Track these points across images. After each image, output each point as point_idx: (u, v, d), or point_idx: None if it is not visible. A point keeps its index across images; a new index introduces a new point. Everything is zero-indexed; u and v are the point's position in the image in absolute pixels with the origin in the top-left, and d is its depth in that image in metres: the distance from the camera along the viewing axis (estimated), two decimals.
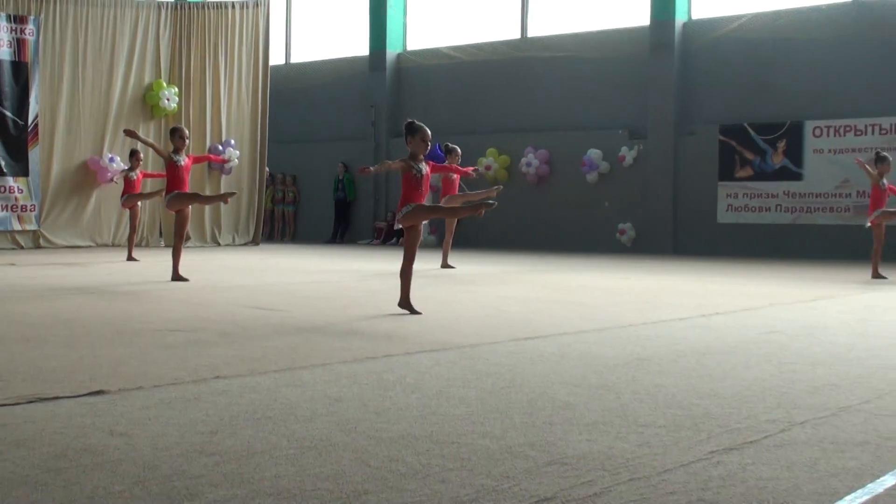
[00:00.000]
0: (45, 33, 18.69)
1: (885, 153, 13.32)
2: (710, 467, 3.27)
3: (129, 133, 12.01)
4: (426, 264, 13.86)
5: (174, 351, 5.69)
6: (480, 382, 4.79)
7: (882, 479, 3.16)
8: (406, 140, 8.12)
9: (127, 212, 16.45)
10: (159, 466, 3.15)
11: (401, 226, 7.89)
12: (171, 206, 11.13)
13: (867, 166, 13.00)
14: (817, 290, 10.89)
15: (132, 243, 15.58)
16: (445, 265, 13.99)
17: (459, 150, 14.74)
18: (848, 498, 2.95)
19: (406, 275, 7.86)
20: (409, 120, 8.21)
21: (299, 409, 4.10)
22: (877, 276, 12.64)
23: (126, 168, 16.19)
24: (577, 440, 3.61)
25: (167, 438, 3.54)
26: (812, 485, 3.08)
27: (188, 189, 11.53)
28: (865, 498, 2.95)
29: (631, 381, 4.87)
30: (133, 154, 15.69)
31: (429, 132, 8.12)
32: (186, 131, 12.00)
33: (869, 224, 12.98)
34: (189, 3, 21.77)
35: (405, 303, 7.86)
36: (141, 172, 15.71)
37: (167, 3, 21.24)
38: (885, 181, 12.85)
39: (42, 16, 18.66)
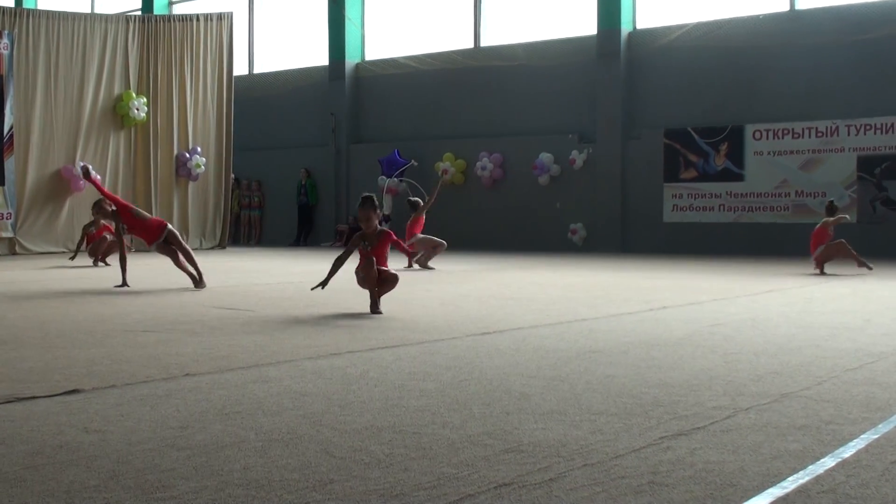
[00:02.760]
0: (18, 47, 18.82)
1: (835, 203, 14.24)
2: (660, 452, 3.37)
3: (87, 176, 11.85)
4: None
5: (145, 350, 5.76)
6: (440, 376, 4.90)
7: (822, 460, 3.28)
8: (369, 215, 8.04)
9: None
10: (132, 461, 3.22)
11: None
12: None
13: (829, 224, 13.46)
14: (759, 284, 11.15)
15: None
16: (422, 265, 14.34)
17: (421, 203, 14.97)
18: (791, 479, 3.05)
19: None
20: (366, 195, 8.22)
21: (266, 403, 4.19)
22: (862, 264, 13.21)
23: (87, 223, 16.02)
24: (532, 429, 3.72)
25: (139, 434, 3.61)
26: (757, 467, 3.18)
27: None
28: (807, 479, 3.05)
29: (584, 373, 5.00)
30: (98, 207, 14.77)
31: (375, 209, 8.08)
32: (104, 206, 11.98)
33: (816, 267, 13.37)
34: (156, 16, 21.88)
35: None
36: (105, 226, 15.16)
37: (135, 16, 21.42)
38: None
39: (16, 30, 18.76)
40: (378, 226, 8.06)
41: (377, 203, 8.11)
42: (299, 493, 2.87)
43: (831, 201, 14.23)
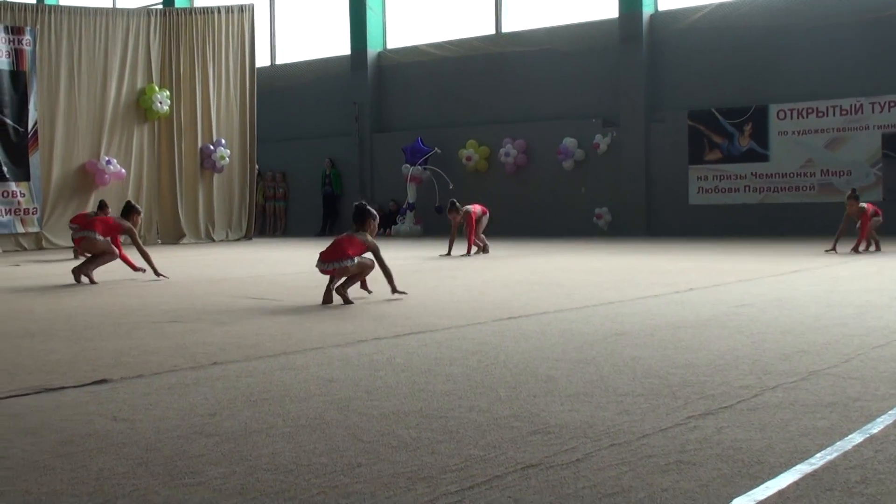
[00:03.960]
0: (41, 43, 18.98)
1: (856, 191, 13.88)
2: (687, 431, 3.37)
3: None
4: (409, 251, 13.96)
5: (172, 340, 5.81)
6: (466, 360, 4.90)
7: (850, 436, 3.26)
8: (366, 222, 8.17)
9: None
10: (161, 448, 3.25)
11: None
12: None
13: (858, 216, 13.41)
14: (785, 265, 11.09)
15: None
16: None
17: (459, 206, 14.58)
18: (819, 455, 3.04)
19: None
20: (363, 203, 8.29)
21: (294, 390, 4.21)
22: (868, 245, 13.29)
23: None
24: (559, 411, 3.72)
25: (168, 422, 3.64)
26: (784, 444, 3.17)
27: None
28: (835, 455, 3.04)
29: (610, 355, 5.00)
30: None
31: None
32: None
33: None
34: (177, 9, 22.02)
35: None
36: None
37: (156, 9, 21.56)
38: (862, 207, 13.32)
39: (38, 26, 18.92)
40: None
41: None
42: (327, 477, 2.89)
43: (853, 189, 14.09)
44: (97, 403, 4.00)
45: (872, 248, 13.35)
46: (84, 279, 10.40)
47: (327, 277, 8.03)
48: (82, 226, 11.08)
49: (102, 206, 13.60)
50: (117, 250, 10.77)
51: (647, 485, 2.78)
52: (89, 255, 11.02)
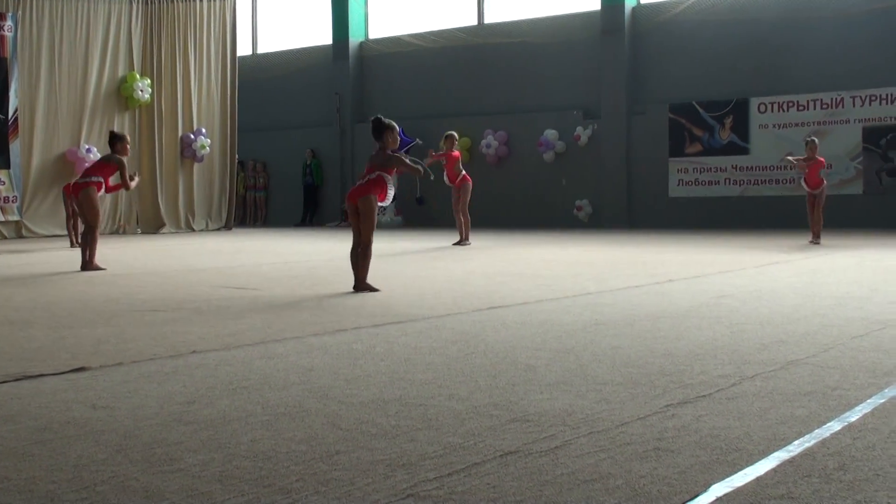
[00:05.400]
0: (22, 29, 18.84)
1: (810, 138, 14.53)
2: (666, 419, 3.38)
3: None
4: (390, 242, 13.96)
5: (152, 329, 5.79)
6: (446, 350, 4.91)
7: (828, 424, 3.28)
8: (384, 135, 7.96)
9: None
10: (140, 435, 3.24)
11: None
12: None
13: (794, 159, 14.28)
14: (765, 257, 11.14)
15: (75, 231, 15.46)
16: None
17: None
18: (797, 442, 3.06)
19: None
20: (378, 117, 8.18)
21: (273, 378, 4.20)
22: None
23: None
24: (538, 399, 3.73)
25: (147, 409, 3.62)
26: (763, 432, 3.19)
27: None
28: (813, 442, 3.06)
29: (589, 344, 5.01)
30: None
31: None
32: None
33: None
34: None
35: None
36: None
37: None
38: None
39: (20, 12, 18.79)
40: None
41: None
42: (306, 465, 2.89)
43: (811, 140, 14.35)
44: (76, 391, 3.98)
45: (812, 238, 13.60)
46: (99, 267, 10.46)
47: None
48: (87, 172, 10.98)
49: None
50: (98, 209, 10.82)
51: (626, 472, 2.79)
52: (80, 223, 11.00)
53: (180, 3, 21.41)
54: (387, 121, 8.06)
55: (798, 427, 3.26)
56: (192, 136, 21.28)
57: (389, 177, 7.93)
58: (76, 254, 13.36)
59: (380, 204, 7.94)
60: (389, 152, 7.98)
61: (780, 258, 10.96)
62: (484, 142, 21.72)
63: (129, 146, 11.02)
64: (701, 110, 19.45)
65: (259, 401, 3.75)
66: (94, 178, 10.69)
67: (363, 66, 24.41)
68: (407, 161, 8.20)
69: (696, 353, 4.70)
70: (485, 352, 4.83)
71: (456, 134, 15.15)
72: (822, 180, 13.86)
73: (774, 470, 2.79)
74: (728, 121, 19.18)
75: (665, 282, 8.38)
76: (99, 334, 5.58)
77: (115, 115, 20.22)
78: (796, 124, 18.44)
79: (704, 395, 3.76)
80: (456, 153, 14.60)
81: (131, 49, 20.60)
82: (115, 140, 10.88)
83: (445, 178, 14.65)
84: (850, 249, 12.25)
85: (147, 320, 6.20)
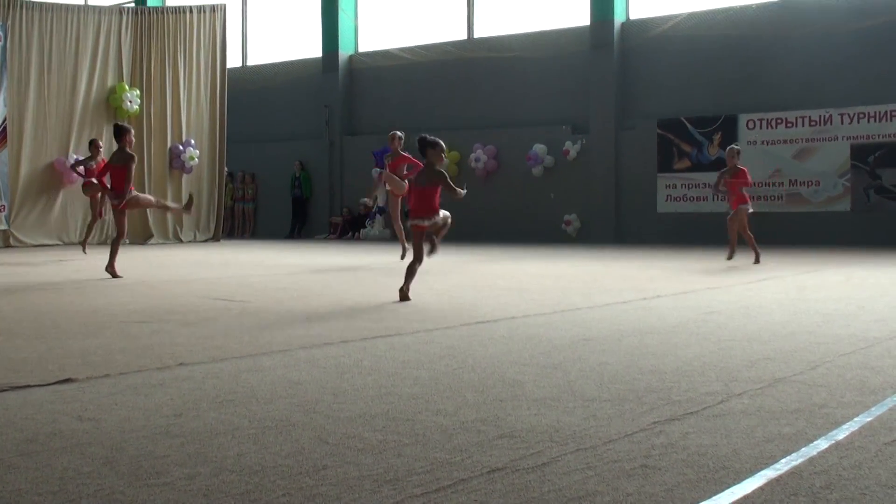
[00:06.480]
0: (11, 38, 18.84)
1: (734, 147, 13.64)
2: (653, 436, 3.37)
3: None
4: (378, 255, 13.93)
5: (139, 341, 5.76)
6: (434, 364, 4.90)
7: (816, 443, 3.28)
8: (427, 153, 8.37)
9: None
10: (126, 448, 3.22)
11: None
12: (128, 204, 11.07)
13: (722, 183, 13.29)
14: (753, 273, 11.18)
15: (88, 234, 15.58)
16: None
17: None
18: (784, 461, 3.05)
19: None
20: (423, 135, 8.55)
21: (260, 392, 4.19)
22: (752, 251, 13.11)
23: (84, 158, 16.17)
24: (526, 415, 3.72)
25: (133, 422, 3.61)
26: (750, 450, 3.19)
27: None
28: (800, 461, 3.06)
29: (577, 360, 5.01)
30: (92, 143, 15.65)
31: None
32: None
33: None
34: (149, 7, 21.93)
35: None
36: (102, 160, 15.11)
37: (128, 7, 21.48)
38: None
39: (9, 21, 18.76)
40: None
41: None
42: (293, 479, 2.87)
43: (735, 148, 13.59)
44: (63, 402, 3.96)
45: (730, 255, 13.09)
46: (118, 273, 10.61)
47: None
48: (116, 191, 11.03)
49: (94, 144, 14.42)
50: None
51: (613, 489, 2.78)
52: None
53: (170, 14, 21.45)
54: (431, 139, 8.32)
55: (785, 445, 3.26)
56: (181, 147, 21.28)
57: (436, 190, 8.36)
58: (63, 264, 13.33)
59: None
60: (437, 169, 8.34)
61: (768, 274, 10.99)
62: (473, 156, 21.78)
63: (133, 138, 11.20)
64: (690, 126, 19.53)
65: (246, 414, 3.74)
66: (129, 195, 10.93)
67: (353, 79, 24.46)
68: (450, 182, 8.43)
69: (684, 370, 4.70)
70: (472, 367, 4.82)
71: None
72: (746, 197, 13.19)
73: (761, 488, 2.79)
74: (717, 137, 19.26)
75: (653, 297, 8.39)
76: (86, 345, 5.55)
77: (103, 125, 20.19)
78: (785, 141, 18.55)
79: (692, 413, 3.76)
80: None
81: (121, 59, 20.63)
82: (121, 133, 10.98)
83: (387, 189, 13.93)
84: (838, 266, 12.30)
85: (134, 331, 6.18)
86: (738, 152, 13.40)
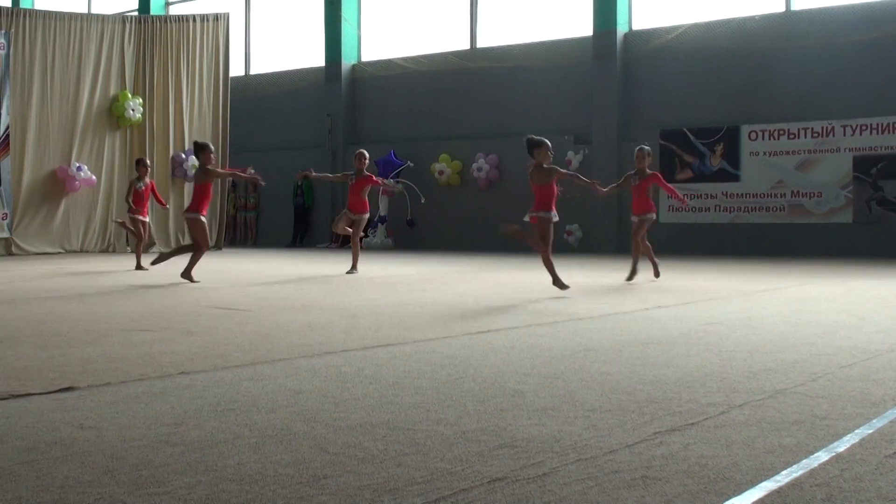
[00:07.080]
0: (15, 47, 18.89)
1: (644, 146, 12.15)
2: (654, 447, 3.37)
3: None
4: (380, 264, 13.92)
5: (140, 349, 5.76)
6: (435, 373, 4.90)
7: (816, 454, 3.28)
8: (534, 152, 8.87)
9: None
10: (127, 457, 3.22)
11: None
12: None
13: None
14: (755, 284, 11.17)
15: (139, 251, 14.85)
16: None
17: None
18: (784, 472, 3.05)
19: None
20: (529, 136, 8.99)
21: (261, 401, 4.19)
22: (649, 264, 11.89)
23: (131, 180, 15.33)
24: (526, 425, 3.72)
25: (134, 431, 3.60)
26: (750, 461, 3.18)
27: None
28: (801, 473, 3.05)
29: (578, 370, 5.00)
30: (139, 162, 14.89)
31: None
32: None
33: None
34: (152, 16, 22.00)
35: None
36: (151, 182, 14.96)
37: (131, 16, 21.57)
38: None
39: (12, 30, 18.83)
40: None
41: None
42: (293, 488, 2.87)
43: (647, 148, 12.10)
44: (63, 411, 3.96)
45: (629, 274, 11.58)
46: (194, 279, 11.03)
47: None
48: (191, 209, 11.44)
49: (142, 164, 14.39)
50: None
51: (613, 500, 2.78)
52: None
53: (173, 23, 21.51)
54: (536, 138, 8.48)
55: (786, 457, 3.26)
56: (184, 156, 21.31)
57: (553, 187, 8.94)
58: (66, 273, 13.33)
59: (554, 218, 9.08)
60: (545, 166, 8.75)
61: (769, 285, 10.98)
62: (475, 165, 21.81)
63: (212, 154, 11.40)
64: (692, 137, 19.55)
65: (247, 423, 3.73)
66: (196, 215, 11.37)
67: (355, 89, 24.51)
68: (564, 171, 8.66)
69: (685, 381, 4.70)
70: (473, 376, 4.82)
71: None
72: (651, 205, 11.86)
73: (762, 500, 2.79)
74: (719, 148, 19.27)
75: (654, 308, 8.39)
76: (87, 353, 5.55)
77: (106, 133, 20.29)
78: (787, 152, 18.55)
79: (693, 423, 3.76)
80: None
81: (124, 68, 20.68)
82: (199, 150, 11.31)
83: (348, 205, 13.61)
84: (839, 278, 12.29)
85: (135, 340, 6.18)
86: (649, 154, 11.89)
